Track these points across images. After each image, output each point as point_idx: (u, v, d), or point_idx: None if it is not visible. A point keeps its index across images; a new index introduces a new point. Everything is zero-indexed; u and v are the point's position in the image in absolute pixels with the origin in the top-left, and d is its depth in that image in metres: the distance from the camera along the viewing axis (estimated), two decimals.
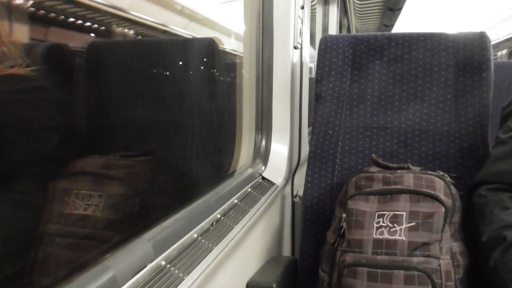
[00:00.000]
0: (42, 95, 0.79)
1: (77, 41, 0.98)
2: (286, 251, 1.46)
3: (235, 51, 1.54)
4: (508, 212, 0.88)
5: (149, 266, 0.63)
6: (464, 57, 1.16)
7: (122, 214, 0.88)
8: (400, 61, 1.22)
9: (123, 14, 1.10)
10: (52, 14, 0.81)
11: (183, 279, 0.65)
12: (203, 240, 0.78)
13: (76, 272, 0.53)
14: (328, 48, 1.26)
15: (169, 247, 0.70)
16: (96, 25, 1.00)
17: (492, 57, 1.15)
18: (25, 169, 0.75)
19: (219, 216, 0.90)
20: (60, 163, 0.84)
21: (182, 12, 1.50)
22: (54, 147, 0.83)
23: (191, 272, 0.67)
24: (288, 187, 1.47)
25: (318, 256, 1.07)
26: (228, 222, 0.89)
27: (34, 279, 0.66)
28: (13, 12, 0.71)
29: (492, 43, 1.17)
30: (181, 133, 1.17)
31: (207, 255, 0.74)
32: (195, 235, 0.78)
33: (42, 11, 0.79)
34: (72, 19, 0.88)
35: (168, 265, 0.66)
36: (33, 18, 0.76)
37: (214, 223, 0.87)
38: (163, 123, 1.14)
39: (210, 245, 0.77)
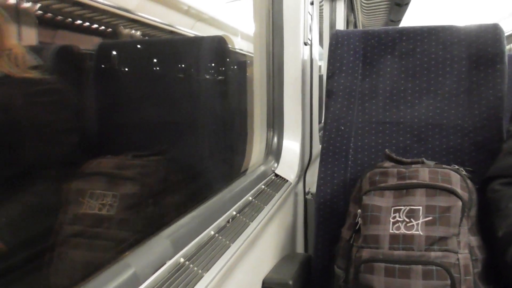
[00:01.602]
0: (56, 98, 0.80)
1: (87, 43, 0.98)
2: (300, 248, 1.46)
3: (242, 50, 1.54)
4: None
5: (169, 263, 0.63)
6: (477, 49, 1.15)
7: (136, 213, 0.88)
8: (412, 55, 1.21)
9: (130, 15, 1.11)
10: (60, 17, 0.82)
11: (202, 276, 0.65)
12: (220, 237, 0.78)
13: (98, 270, 0.53)
14: (339, 44, 1.25)
15: (187, 244, 0.70)
16: (104, 27, 1.01)
17: (506, 49, 1.14)
18: (41, 171, 0.76)
19: (234, 213, 0.90)
20: (75, 164, 0.85)
21: (188, 12, 1.50)
22: (68, 148, 0.83)
23: (210, 269, 0.67)
24: (300, 184, 1.47)
25: (332, 253, 1.07)
26: (244, 219, 0.89)
27: (54, 278, 0.67)
28: (21, 16, 0.72)
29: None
30: (193, 132, 1.17)
31: (224, 252, 0.74)
32: (212, 232, 0.78)
33: (50, 14, 0.80)
34: (80, 21, 0.88)
35: (187, 262, 0.66)
36: (42, 21, 0.77)
37: (230, 220, 0.87)
38: (175, 122, 1.14)
39: (227, 242, 0.77)
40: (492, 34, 1.14)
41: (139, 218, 0.89)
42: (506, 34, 1.17)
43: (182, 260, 0.66)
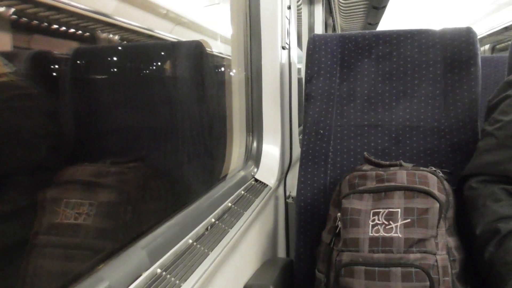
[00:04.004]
0: (30, 103, 0.78)
1: (62, 48, 0.96)
2: (281, 252, 1.45)
3: (222, 53, 1.53)
4: (501, 204, 0.88)
5: (145, 274, 0.61)
6: (452, 52, 1.17)
7: (114, 222, 0.86)
8: (388, 58, 1.22)
9: (108, 20, 1.09)
10: (35, 21, 0.80)
11: (180, 286, 0.63)
12: (198, 246, 0.76)
13: (70, 285, 0.51)
14: (316, 48, 1.26)
15: (164, 254, 0.68)
16: (81, 32, 0.99)
17: (479, 52, 1.16)
18: (14, 178, 0.74)
19: (213, 220, 0.89)
20: (50, 172, 0.83)
21: (167, 16, 1.49)
22: (43, 156, 0.81)
23: (187, 278, 0.66)
24: (281, 188, 1.47)
25: (314, 257, 1.07)
26: (223, 226, 0.88)
27: None
28: None
29: None
30: (171, 138, 1.15)
31: (203, 260, 0.72)
32: (190, 241, 0.77)
33: (25, 19, 0.78)
34: (56, 26, 0.86)
35: (164, 273, 0.64)
36: (16, 25, 0.74)
37: (209, 227, 0.85)
38: (153, 128, 1.12)
39: (206, 250, 0.76)
40: (465, 37, 1.16)
41: (117, 227, 0.87)
42: (479, 37, 1.19)
43: (159, 270, 0.64)
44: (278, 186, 1.41)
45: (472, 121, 1.11)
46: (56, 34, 0.88)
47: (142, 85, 1.17)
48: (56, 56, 0.94)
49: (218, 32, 1.58)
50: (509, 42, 1.20)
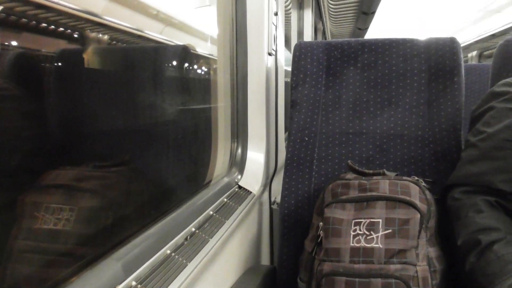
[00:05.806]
0: (12, 105, 0.76)
1: (47, 48, 0.94)
2: (265, 259, 1.44)
3: (212, 55, 1.52)
4: (482, 215, 0.89)
5: None
6: (436, 62, 1.17)
7: (94, 229, 0.84)
8: (373, 67, 1.22)
9: (97, 19, 1.08)
10: (23, 20, 0.78)
11: None
12: (176, 256, 0.75)
13: None
14: (302, 55, 1.26)
15: (140, 266, 0.67)
16: (68, 31, 0.97)
17: (462, 62, 1.17)
18: None
19: (193, 229, 0.87)
20: (30, 176, 0.81)
21: (157, 17, 1.47)
22: (23, 159, 0.79)
23: None
24: (266, 194, 1.46)
25: (297, 265, 1.06)
26: (203, 235, 0.87)
27: None
28: None
29: (462, 45, 1.19)
30: (155, 143, 1.14)
31: (181, 271, 0.71)
32: (168, 251, 0.76)
33: (12, 17, 0.76)
34: (43, 25, 0.85)
35: (139, 286, 0.63)
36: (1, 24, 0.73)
37: (188, 237, 0.84)
38: (137, 132, 1.11)
39: (184, 261, 0.75)
40: (449, 47, 1.17)
41: (97, 233, 0.85)
42: (464, 44, 1.20)
43: (134, 283, 0.63)
44: (262, 192, 1.40)
45: (456, 131, 1.12)
46: (40, 34, 0.86)
47: (125, 88, 1.16)
48: (40, 57, 0.92)
49: (210, 33, 1.57)
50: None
